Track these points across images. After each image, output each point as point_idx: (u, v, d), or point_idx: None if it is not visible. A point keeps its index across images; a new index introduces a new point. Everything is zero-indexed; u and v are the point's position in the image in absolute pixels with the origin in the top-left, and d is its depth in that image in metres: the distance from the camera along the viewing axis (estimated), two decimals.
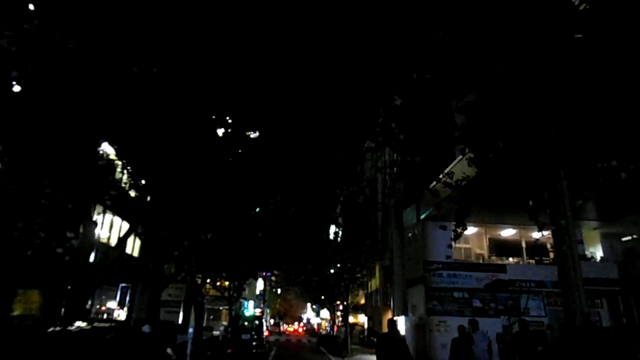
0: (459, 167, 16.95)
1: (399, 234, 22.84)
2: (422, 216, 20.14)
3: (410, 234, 21.74)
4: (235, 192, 14.87)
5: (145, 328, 9.41)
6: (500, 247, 20.54)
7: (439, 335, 18.22)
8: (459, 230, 10.69)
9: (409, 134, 23.03)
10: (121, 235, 11.64)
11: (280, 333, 55.70)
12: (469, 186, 16.19)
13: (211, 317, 40.48)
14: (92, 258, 21.66)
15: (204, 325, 38.16)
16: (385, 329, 11.97)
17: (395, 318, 21.82)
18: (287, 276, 32.50)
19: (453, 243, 19.76)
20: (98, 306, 21.59)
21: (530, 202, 14.62)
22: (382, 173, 27.40)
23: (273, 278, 74.15)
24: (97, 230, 20.72)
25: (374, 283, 28.27)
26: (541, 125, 7.99)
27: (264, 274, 64.82)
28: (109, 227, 21.62)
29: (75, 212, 15.31)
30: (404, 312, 21.48)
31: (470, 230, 20.68)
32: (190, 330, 12.46)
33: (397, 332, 9.25)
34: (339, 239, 22.72)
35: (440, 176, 13.20)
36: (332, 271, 25.12)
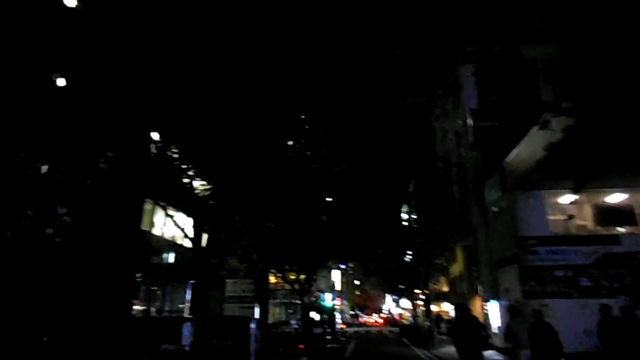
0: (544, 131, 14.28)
1: (481, 210, 20.26)
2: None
3: (495, 209, 19.07)
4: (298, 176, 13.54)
5: (187, 325, 8.21)
6: (609, 216, 17.24)
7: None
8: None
9: (486, 94, 20.10)
10: (186, 231, 10.64)
11: (360, 324, 54.27)
12: (566, 142, 13.58)
13: (290, 310, 39.99)
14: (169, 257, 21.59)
15: (282, 319, 37.71)
16: (458, 314, 10.74)
17: (485, 304, 19.39)
18: (362, 266, 30.90)
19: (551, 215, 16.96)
20: (168, 303, 21.36)
21: None
22: (456, 142, 24.76)
23: (350, 270, 73.34)
24: (160, 228, 20.41)
25: (457, 268, 25.71)
26: None
27: (340, 266, 64.20)
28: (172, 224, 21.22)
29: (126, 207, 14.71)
30: (494, 296, 18.95)
31: (568, 198, 17.65)
32: (252, 325, 11.19)
33: (471, 314, 9.24)
34: (413, 221, 20.57)
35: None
36: (408, 256, 23.05)
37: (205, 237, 10.42)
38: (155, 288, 21.16)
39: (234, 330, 11.15)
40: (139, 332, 12.20)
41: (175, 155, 11.11)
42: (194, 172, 10.72)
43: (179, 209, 18.79)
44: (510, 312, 10.61)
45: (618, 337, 9.25)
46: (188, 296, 21.44)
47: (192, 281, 22.17)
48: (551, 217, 17.28)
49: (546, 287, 16.02)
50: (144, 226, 18.85)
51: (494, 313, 17.98)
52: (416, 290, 36.20)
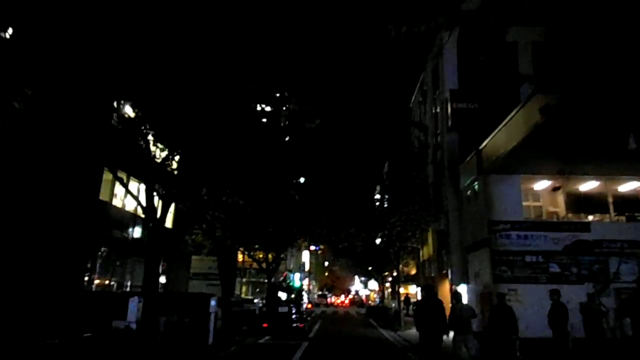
0: (526, 112, 13.89)
1: (455, 193, 19.97)
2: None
3: (469, 192, 18.81)
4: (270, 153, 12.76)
5: (134, 300, 7.44)
6: (581, 203, 17.20)
7: (510, 304, 15.46)
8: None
9: (466, 75, 19.53)
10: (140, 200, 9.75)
11: (327, 305, 54.42)
12: (542, 129, 13.22)
13: (257, 289, 39.52)
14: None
15: (247, 297, 37.14)
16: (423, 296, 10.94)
17: (456, 287, 19.23)
18: (331, 246, 30.52)
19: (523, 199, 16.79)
20: (132, 278, 20.36)
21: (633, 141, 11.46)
22: (432, 124, 24.36)
23: (320, 251, 73.40)
24: (121, 200, 19.26)
25: (427, 251, 25.62)
26: None
27: (310, 247, 64.03)
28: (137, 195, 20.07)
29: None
30: (463, 280, 18.83)
31: (541, 184, 17.55)
32: (213, 303, 10.49)
33: (436, 297, 9.22)
34: (385, 202, 20.09)
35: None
36: (379, 238, 22.72)
37: (160, 207, 9.54)
38: (117, 262, 20.09)
39: (190, 307, 10.41)
40: (91, 307, 11.39)
41: (133, 116, 10.26)
42: (152, 135, 9.82)
43: (138, 178, 17.59)
44: (454, 298, 10.44)
45: (565, 321, 9.60)
46: None
47: None
48: (525, 203, 17.15)
49: (516, 272, 15.90)
50: (105, 197, 17.65)
51: (463, 298, 17.81)
52: (385, 273, 36.35)
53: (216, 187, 13.61)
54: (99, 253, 17.99)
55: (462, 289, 17.12)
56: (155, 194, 10.42)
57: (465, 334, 9.48)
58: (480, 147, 17.20)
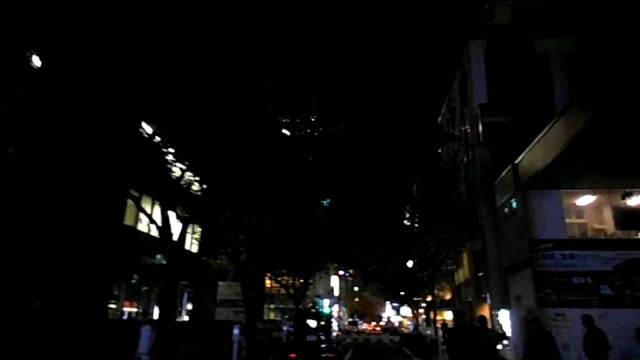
0: (564, 124, 12.97)
1: (491, 211, 18.88)
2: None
3: (505, 210, 17.71)
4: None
5: (146, 329, 6.85)
6: (631, 219, 15.84)
7: (557, 330, 14.16)
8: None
9: (495, 90, 18.71)
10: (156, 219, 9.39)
11: (358, 332, 52.63)
12: (581, 141, 12.26)
13: (285, 316, 38.65)
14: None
15: (275, 324, 36.21)
16: (453, 322, 10.02)
17: (496, 312, 17.96)
18: (361, 270, 29.51)
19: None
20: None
21: None
22: (463, 141, 23.43)
23: (349, 276, 71.79)
24: (146, 224, 19.02)
25: (462, 273, 24.31)
26: None
27: (339, 272, 62.69)
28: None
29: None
30: (503, 304, 17.54)
31: (585, 199, 16.33)
32: (235, 331, 9.82)
33: (465, 323, 8.91)
34: (416, 222, 19.14)
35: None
36: (410, 261, 21.69)
37: (179, 228, 9.08)
38: (143, 289, 19.78)
39: (213, 335, 9.75)
40: (113, 337, 10.90)
41: (158, 140, 10.03)
42: (172, 153, 9.49)
43: (157, 199, 17.16)
44: (479, 322, 9.72)
45: (604, 349, 8.90)
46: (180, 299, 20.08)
47: (183, 282, 20.89)
48: (567, 220, 15.94)
49: (562, 294, 14.63)
50: (129, 222, 17.45)
51: (504, 322, 16.56)
52: (418, 298, 34.83)
53: (238, 208, 13.12)
54: (130, 280, 17.70)
55: (504, 314, 15.89)
56: (173, 214, 10.01)
57: None
58: (517, 161, 16.22)
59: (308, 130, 9.99)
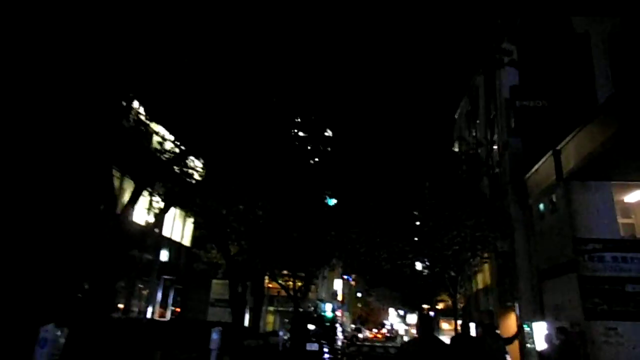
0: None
1: (520, 207, 16.46)
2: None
3: (541, 205, 15.33)
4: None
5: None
6: None
7: (609, 348, 11.78)
8: None
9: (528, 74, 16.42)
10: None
11: (362, 341, 50.01)
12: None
13: (285, 320, 36.42)
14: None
15: (275, 329, 33.84)
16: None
17: (526, 324, 15.53)
18: (370, 272, 27.24)
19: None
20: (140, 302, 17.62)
21: None
22: (487, 132, 21.07)
23: (352, 281, 69.37)
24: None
25: (481, 279, 21.87)
26: None
27: (343, 277, 60.34)
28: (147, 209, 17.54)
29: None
30: (536, 315, 15.12)
31: (635, 195, 13.97)
32: (215, 335, 7.56)
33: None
34: (430, 224, 16.73)
35: None
36: (420, 263, 19.36)
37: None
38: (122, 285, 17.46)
39: (183, 339, 7.55)
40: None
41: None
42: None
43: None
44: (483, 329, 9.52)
45: None
46: (159, 295, 17.80)
47: (165, 276, 18.63)
48: (620, 219, 13.57)
49: (614, 305, 12.22)
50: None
51: (539, 337, 14.11)
52: (425, 305, 32.34)
53: (238, 191, 11.40)
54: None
55: (540, 326, 13.47)
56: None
57: None
58: (559, 146, 13.84)
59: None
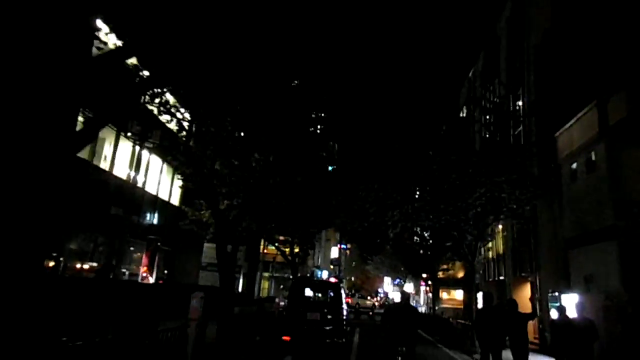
0: None
1: (546, 168, 14.72)
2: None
3: (574, 165, 13.59)
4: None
5: None
6: None
7: None
8: None
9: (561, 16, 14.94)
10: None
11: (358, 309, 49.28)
12: None
13: (281, 286, 35.24)
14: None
15: (270, 295, 32.62)
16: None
17: (551, 295, 14.06)
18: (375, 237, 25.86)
19: None
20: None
21: None
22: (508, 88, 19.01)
23: (347, 250, 68.80)
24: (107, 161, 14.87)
25: (494, 247, 20.41)
26: None
27: (339, 245, 59.38)
28: (129, 160, 15.70)
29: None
30: (560, 285, 13.63)
31: None
32: (194, 302, 5.89)
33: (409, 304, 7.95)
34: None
35: None
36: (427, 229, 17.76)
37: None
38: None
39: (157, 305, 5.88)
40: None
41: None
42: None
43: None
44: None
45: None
46: (142, 256, 16.16)
47: (150, 236, 16.98)
48: None
49: None
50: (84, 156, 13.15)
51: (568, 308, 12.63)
52: (424, 274, 31.10)
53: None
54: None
55: (568, 298, 11.94)
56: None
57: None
58: (605, 96, 11.96)
59: None
